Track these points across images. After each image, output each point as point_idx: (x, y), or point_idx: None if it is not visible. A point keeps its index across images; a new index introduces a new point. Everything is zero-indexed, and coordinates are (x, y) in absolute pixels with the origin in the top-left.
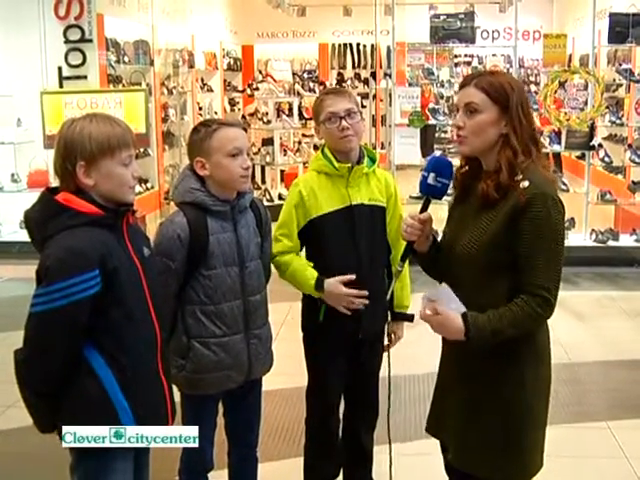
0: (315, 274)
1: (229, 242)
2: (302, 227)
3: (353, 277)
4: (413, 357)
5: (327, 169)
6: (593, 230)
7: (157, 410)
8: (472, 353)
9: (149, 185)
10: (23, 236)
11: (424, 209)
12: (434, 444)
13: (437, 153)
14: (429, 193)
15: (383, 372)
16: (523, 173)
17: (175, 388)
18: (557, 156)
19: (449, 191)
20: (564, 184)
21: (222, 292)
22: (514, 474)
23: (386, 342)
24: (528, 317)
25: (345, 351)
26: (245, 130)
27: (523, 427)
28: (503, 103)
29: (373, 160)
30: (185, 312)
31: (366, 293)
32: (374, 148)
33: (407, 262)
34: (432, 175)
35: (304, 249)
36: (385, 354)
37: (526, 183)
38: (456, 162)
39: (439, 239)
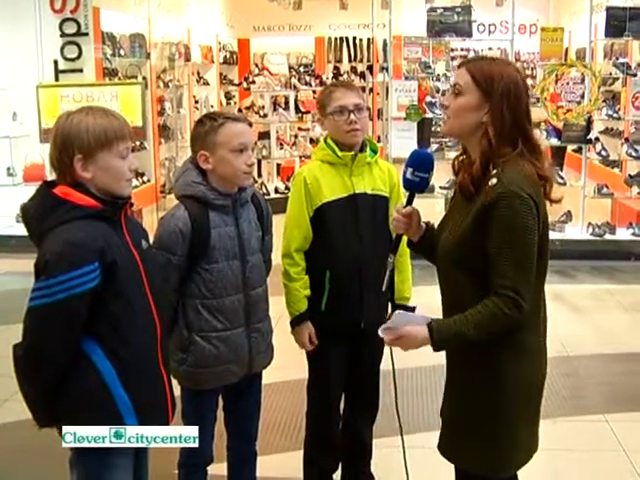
0: (303, 309)
1: (230, 236)
2: (311, 216)
3: (314, 346)
4: (414, 350)
5: (330, 158)
6: (590, 224)
7: (157, 403)
8: (456, 350)
9: (145, 178)
10: (19, 230)
11: (409, 202)
12: (427, 437)
13: (433, 147)
14: (408, 187)
15: (384, 366)
16: (502, 167)
17: (175, 382)
18: (559, 150)
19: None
20: (561, 177)
21: (223, 286)
22: (489, 467)
23: None
24: (493, 317)
25: (346, 342)
26: (250, 125)
27: (499, 424)
28: (486, 90)
29: (375, 151)
30: (186, 306)
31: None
32: None
33: (408, 253)
34: (409, 170)
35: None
36: (387, 347)
37: (494, 180)
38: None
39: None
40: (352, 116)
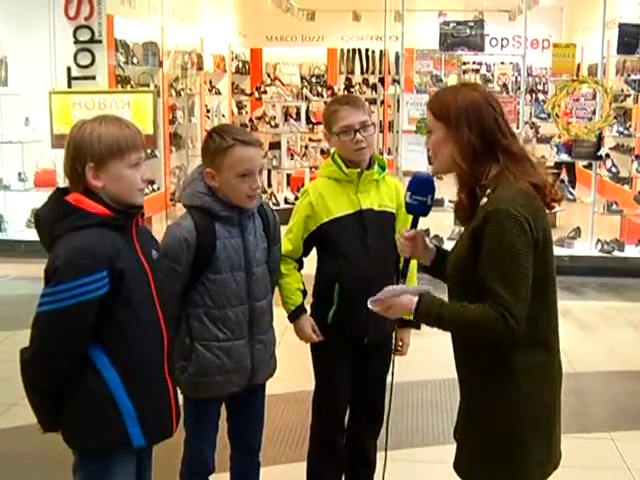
0: (298, 302)
1: (236, 247)
2: (311, 232)
3: (320, 338)
4: (419, 364)
5: (337, 175)
6: (599, 240)
7: (162, 412)
8: (465, 367)
9: (155, 186)
10: (29, 235)
11: (413, 226)
12: (438, 451)
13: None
14: (409, 211)
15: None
16: (493, 186)
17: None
18: (570, 167)
19: None
20: (571, 194)
21: (227, 297)
22: None
23: (393, 348)
24: (481, 323)
25: (352, 355)
26: (261, 145)
27: (514, 445)
28: (445, 120)
29: (383, 168)
30: (189, 314)
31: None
32: (381, 154)
33: (415, 270)
34: (408, 193)
35: (317, 256)
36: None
37: (484, 200)
38: None
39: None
40: (358, 135)
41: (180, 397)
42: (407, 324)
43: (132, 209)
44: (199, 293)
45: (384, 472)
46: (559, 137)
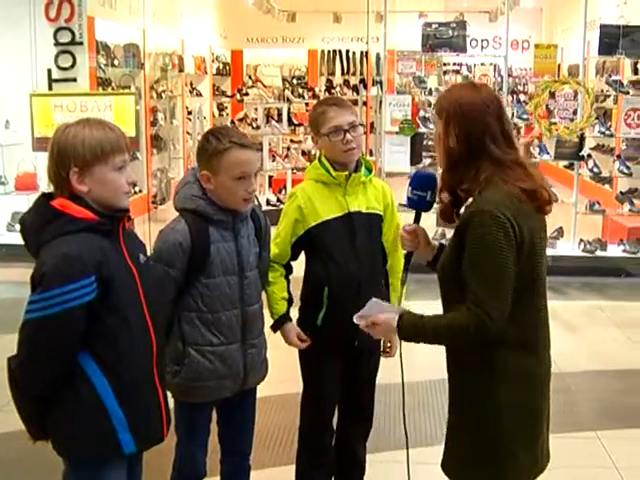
0: (282, 311)
1: (229, 251)
2: (300, 236)
3: (307, 343)
4: (407, 365)
5: (324, 178)
6: (581, 240)
7: (152, 417)
8: (454, 369)
9: (137, 189)
10: (10, 239)
11: (415, 221)
12: (427, 453)
13: (426, 162)
14: (410, 206)
15: (385, 380)
16: (481, 188)
17: (169, 395)
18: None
19: None
20: (554, 194)
21: (220, 301)
22: None
23: (382, 349)
24: (458, 329)
25: (341, 357)
26: (258, 149)
27: (499, 447)
28: (441, 117)
29: (370, 170)
30: (182, 318)
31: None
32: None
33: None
34: (409, 189)
35: (305, 258)
36: (397, 361)
37: (470, 200)
38: None
39: None
40: (348, 135)
41: (171, 401)
42: None
43: (118, 212)
44: (192, 297)
45: (408, 474)
46: (539, 138)
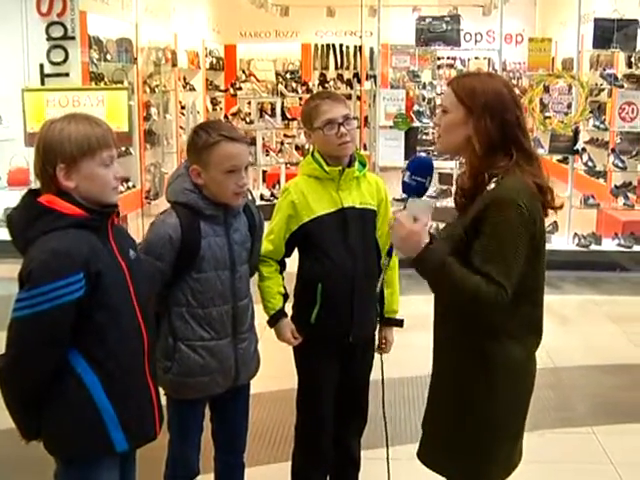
0: (278, 306)
1: (220, 246)
2: (293, 232)
3: (299, 341)
4: (401, 360)
5: (317, 173)
6: (576, 234)
7: (144, 415)
8: (441, 355)
9: (131, 184)
10: (1, 235)
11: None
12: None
13: (422, 154)
14: (405, 191)
15: (373, 376)
16: (502, 176)
17: (162, 391)
18: None
19: None
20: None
21: (211, 296)
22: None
23: (377, 346)
24: (480, 286)
25: (336, 354)
26: (248, 142)
27: (481, 439)
28: (469, 105)
29: (363, 165)
30: (172, 313)
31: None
32: (356, 149)
33: (397, 267)
34: (407, 174)
35: (298, 255)
36: (378, 358)
37: (492, 185)
38: (445, 164)
39: None
40: (342, 129)
41: (163, 399)
42: (390, 322)
43: (107, 208)
44: (183, 292)
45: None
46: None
